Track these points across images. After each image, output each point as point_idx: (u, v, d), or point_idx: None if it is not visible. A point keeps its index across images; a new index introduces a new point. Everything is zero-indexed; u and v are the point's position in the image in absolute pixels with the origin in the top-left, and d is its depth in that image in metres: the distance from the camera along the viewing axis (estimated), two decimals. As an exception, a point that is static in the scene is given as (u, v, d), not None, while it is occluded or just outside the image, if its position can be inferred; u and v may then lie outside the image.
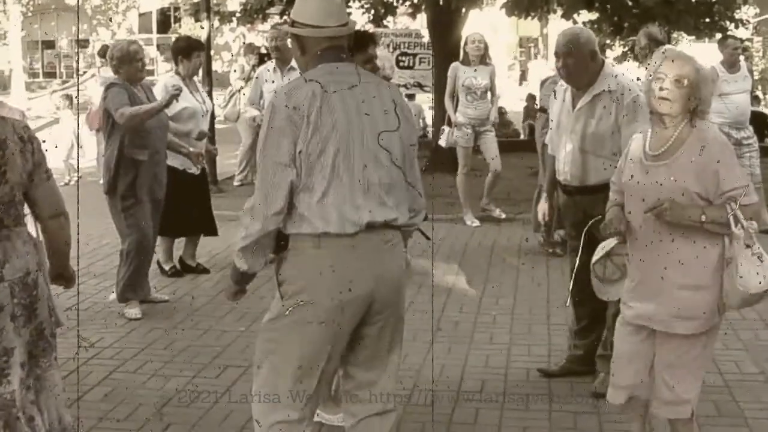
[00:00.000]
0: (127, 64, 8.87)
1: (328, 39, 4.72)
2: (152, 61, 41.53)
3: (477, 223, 13.08)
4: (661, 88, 5.06)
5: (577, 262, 7.11)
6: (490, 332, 8.34)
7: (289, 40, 4.98)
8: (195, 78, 10.44)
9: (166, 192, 9.18)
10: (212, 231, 10.59)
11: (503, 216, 13.19)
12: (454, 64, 13.45)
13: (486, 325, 8.58)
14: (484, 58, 13.08)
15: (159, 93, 9.46)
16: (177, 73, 10.05)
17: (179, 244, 10.66)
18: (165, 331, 8.38)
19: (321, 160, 4.47)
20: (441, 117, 17.25)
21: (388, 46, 17.20)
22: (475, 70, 12.94)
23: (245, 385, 6.80)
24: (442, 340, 8.09)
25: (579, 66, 6.69)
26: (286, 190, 4.47)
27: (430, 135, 18.89)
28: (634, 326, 5.32)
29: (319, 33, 4.69)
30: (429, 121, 19.16)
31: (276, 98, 4.58)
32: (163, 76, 10.66)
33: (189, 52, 10.01)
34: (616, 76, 6.73)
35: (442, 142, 13.49)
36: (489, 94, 13.09)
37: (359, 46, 5.98)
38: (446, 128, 13.31)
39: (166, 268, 10.49)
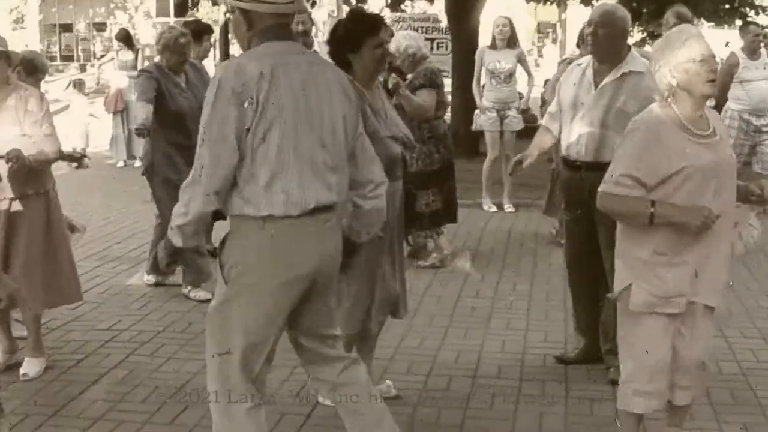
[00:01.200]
0: (169, 52, 8.87)
1: (277, 15, 4.68)
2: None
3: (494, 208, 13.05)
4: (709, 71, 5.01)
5: (572, 245, 7.16)
6: (507, 318, 8.33)
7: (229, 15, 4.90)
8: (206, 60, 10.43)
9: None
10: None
11: (513, 210, 13.14)
12: (481, 48, 13.47)
13: (502, 310, 8.57)
14: (511, 42, 13.05)
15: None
16: None
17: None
18: (182, 315, 8.39)
19: (267, 142, 4.47)
20: (460, 102, 17.25)
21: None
22: (501, 54, 12.90)
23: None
24: (459, 325, 8.08)
25: (608, 39, 6.68)
26: (228, 171, 4.47)
27: (448, 120, 18.83)
28: (669, 320, 5.20)
29: (269, 9, 4.63)
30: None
31: (223, 75, 4.51)
32: None
33: (199, 36, 9.97)
34: (641, 59, 6.75)
35: (474, 126, 13.52)
36: (514, 78, 13.08)
37: (370, 30, 5.95)
38: (477, 112, 13.32)
39: None
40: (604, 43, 6.71)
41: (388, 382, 6.56)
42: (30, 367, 6.93)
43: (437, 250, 10.12)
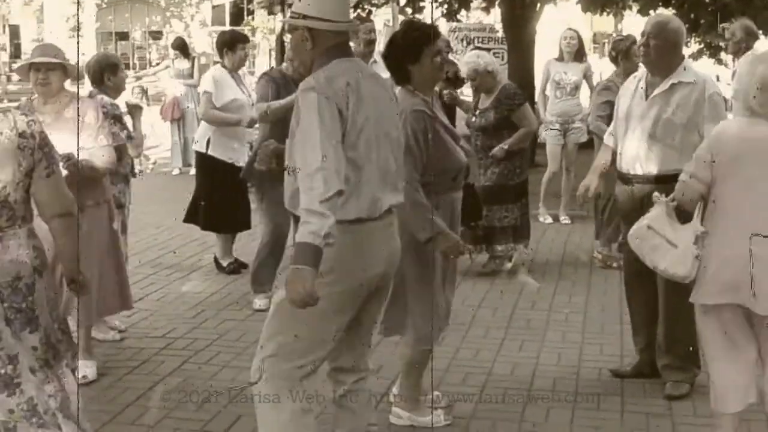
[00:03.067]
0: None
1: (342, 34, 4.98)
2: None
3: (550, 219, 12.97)
4: None
5: (630, 260, 7.08)
6: (562, 330, 8.28)
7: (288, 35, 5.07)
8: (240, 71, 10.41)
9: (219, 187, 9.13)
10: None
11: (569, 222, 13.05)
12: (548, 60, 13.39)
13: (558, 323, 8.51)
14: (578, 55, 12.97)
15: (208, 84, 9.61)
16: (223, 66, 10.04)
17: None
18: (237, 323, 8.40)
19: (356, 149, 4.71)
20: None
21: (462, 40, 17.14)
22: (568, 66, 12.84)
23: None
24: (514, 337, 8.04)
25: (659, 51, 6.63)
26: (343, 172, 4.60)
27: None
28: None
29: (337, 27, 4.89)
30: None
31: (316, 86, 4.68)
32: (211, 68, 10.73)
33: (233, 45, 9.95)
34: (694, 69, 6.74)
35: (540, 138, 13.53)
36: (579, 91, 12.98)
37: (427, 39, 5.99)
38: (543, 125, 13.31)
39: (224, 264, 10.29)
40: (655, 55, 6.67)
41: (438, 393, 6.52)
42: (87, 369, 6.97)
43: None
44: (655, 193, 5.71)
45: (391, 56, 6.09)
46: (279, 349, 4.85)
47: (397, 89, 6.08)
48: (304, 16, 4.86)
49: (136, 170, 16.87)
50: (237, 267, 10.30)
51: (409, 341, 6.16)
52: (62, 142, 6.69)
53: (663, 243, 5.54)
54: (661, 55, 6.64)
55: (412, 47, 5.94)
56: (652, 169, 6.59)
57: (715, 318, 5.44)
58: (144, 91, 18.79)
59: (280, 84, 8.75)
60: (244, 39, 10.30)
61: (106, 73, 7.80)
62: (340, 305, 4.83)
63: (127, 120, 8.29)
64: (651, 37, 6.65)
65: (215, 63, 9.71)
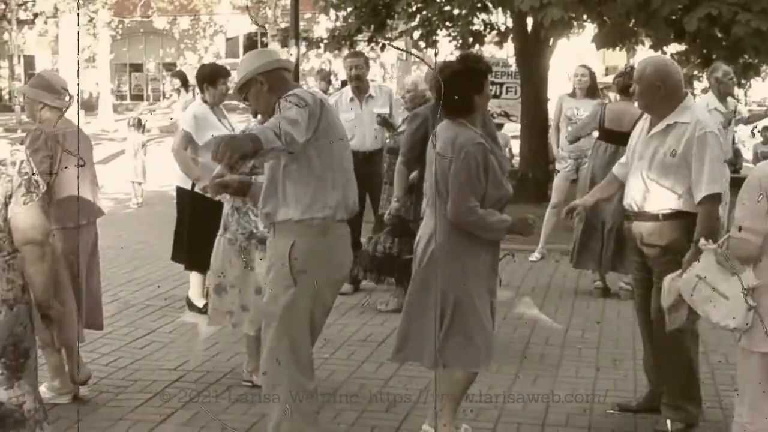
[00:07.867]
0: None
1: (286, 69, 5.96)
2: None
3: (536, 256, 12.98)
4: None
5: (637, 291, 7.07)
6: (576, 365, 8.25)
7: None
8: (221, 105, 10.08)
9: (194, 223, 9.13)
10: None
11: None
12: (561, 95, 13.33)
13: (571, 357, 8.49)
14: (591, 92, 12.83)
15: (188, 123, 9.46)
16: (204, 100, 9.80)
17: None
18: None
19: (329, 161, 5.60)
20: (529, 146, 17.22)
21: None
22: (580, 103, 12.78)
23: (329, 412, 6.81)
24: (527, 372, 8.01)
25: (643, 95, 6.68)
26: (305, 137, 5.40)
27: (516, 165, 18.67)
28: None
29: (280, 64, 5.90)
30: (516, 150, 19.04)
31: (303, 93, 5.55)
32: (191, 104, 10.40)
33: (214, 79, 9.70)
34: (693, 109, 6.59)
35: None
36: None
37: (488, 70, 6.29)
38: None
39: (199, 305, 9.92)
40: (640, 99, 6.78)
41: (466, 426, 6.48)
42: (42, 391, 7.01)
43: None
44: (702, 240, 5.61)
45: (455, 87, 5.96)
46: (286, 351, 5.66)
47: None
48: (252, 72, 5.75)
49: (136, 201, 16.97)
50: None
51: (462, 366, 6.13)
52: None
53: (715, 295, 5.37)
54: (646, 99, 6.67)
55: (477, 77, 6.06)
56: (646, 207, 6.56)
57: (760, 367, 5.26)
58: (139, 121, 18.82)
59: (429, 120, 8.50)
60: (225, 73, 9.97)
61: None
62: (325, 298, 5.78)
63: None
64: (635, 82, 6.73)
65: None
